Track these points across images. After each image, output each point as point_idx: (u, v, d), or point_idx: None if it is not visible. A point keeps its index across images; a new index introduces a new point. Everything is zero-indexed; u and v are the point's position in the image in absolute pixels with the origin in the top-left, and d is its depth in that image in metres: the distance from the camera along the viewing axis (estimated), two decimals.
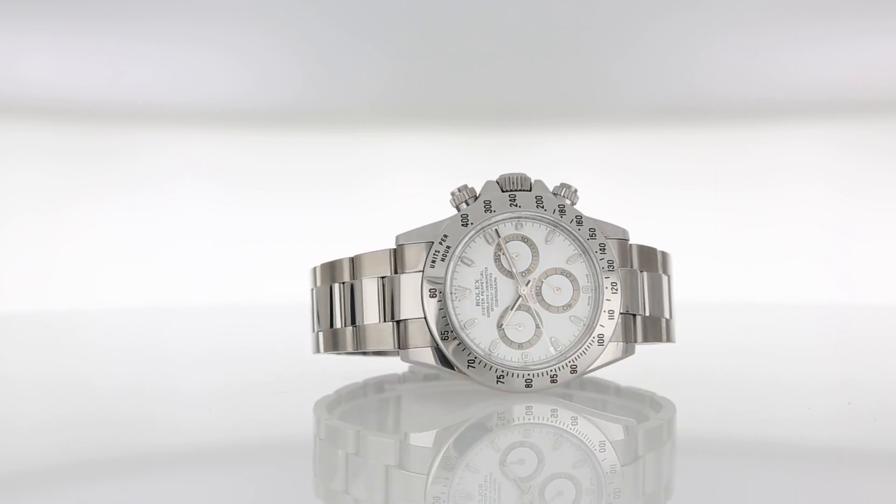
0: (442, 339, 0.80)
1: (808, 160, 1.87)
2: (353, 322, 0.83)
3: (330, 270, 0.85)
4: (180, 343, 1.33)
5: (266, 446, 0.77)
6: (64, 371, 1.08)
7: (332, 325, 0.85)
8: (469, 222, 0.82)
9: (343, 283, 0.84)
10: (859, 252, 1.83)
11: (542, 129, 1.90)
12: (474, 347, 0.80)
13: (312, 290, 0.87)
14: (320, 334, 0.86)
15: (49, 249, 1.85)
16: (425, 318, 0.80)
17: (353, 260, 0.84)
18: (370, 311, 0.82)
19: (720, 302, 1.67)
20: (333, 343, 0.85)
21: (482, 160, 1.90)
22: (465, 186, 0.83)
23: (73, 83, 1.86)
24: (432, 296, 0.80)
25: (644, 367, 0.87)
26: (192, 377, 1.05)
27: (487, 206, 0.83)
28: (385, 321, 0.82)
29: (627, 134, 1.90)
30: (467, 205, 0.83)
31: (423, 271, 0.81)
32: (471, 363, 0.80)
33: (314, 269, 0.87)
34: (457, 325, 0.80)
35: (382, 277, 0.82)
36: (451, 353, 0.80)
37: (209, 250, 1.87)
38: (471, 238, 0.82)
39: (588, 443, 0.74)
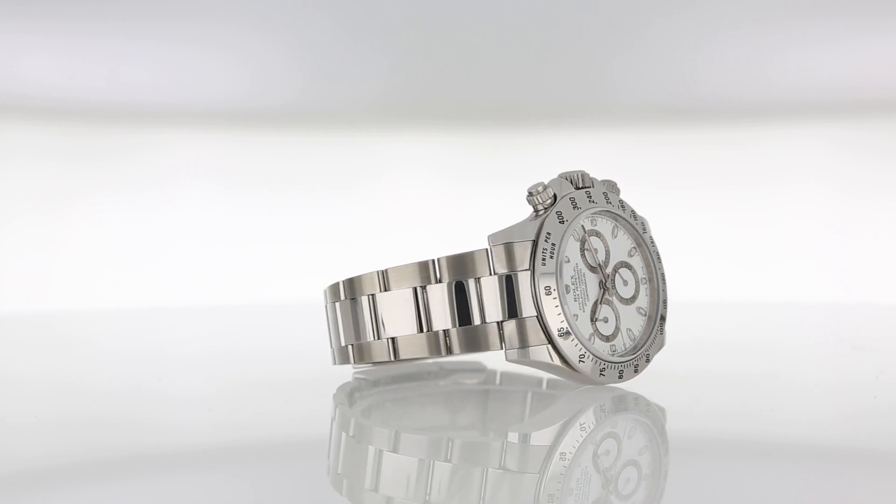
0: (559, 335, 0.79)
1: (808, 160, 1.87)
2: (460, 324, 0.81)
3: (420, 272, 0.82)
4: (180, 343, 1.33)
5: (270, 446, 0.77)
6: (64, 371, 1.08)
7: (430, 328, 0.82)
8: (564, 219, 0.81)
9: (450, 282, 0.81)
10: (859, 251, 1.83)
11: (542, 129, 1.90)
12: (583, 342, 0.80)
13: (372, 296, 0.84)
14: (399, 340, 0.83)
15: (49, 250, 1.85)
16: (539, 315, 0.79)
17: (446, 261, 0.82)
18: (482, 311, 0.80)
19: (720, 301, 1.67)
20: (430, 348, 0.82)
21: (482, 160, 1.90)
22: (545, 185, 0.82)
23: (73, 83, 1.86)
24: (548, 293, 0.79)
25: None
26: (192, 377, 1.05)
27: (574, 203, 0.82)
28: (503, 320, 0.80)
29: (627, 134, 1.90)
30: (545, 208, 0.81)
31: (532, 269, 0.79)
32: (581, 358, 0.80)
33: (379, 273, 0.84)
34: (570, 320, 0.80)
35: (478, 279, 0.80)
36: (565, 349, 0.79)
37: (209, 250, 1.87)
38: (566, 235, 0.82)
39: (654, 427, 0.76)
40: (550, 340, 0.79)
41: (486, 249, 0.80)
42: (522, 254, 0.80)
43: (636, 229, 0.85)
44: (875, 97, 1.87)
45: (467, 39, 1.86)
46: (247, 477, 0.70)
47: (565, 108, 1.92)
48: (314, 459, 0.75)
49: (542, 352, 0.79)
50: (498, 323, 0.80)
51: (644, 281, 0.85)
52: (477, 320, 0.80)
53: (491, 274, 0.80)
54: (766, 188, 1.87)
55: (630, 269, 0.85)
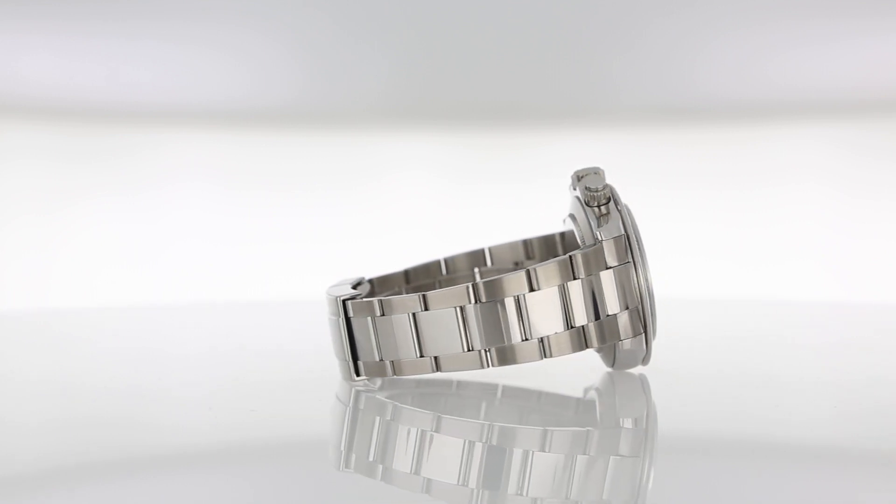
0: (652, 321, 0.84)
1: (808, 160, 1.87)
2: (598, 316, 0.83)
3: (565, 268, 0.83)
4: (180, 343, 1.33)
5: (270, 445, 0.77)
6: (64, 371, 1.08)
7: (574, 325, 0.83)
8: (629, 213, 0.85)
9: (583, 278, 0.82)
10: (859, 251, 1.83)
11: (542, 129, 1.90)
12: (655, 328, 0.85)
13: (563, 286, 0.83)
14: (552, 338, 0.83)
15: (49, 249, 1.85)
16: (641, 305, 0.82)
17: (587, 256, 0.83)
18: (615, 302, 0.83)
19: (720, 301, 1.67)
20: (577, 344, 0.83)
21: (482, 160, 1.90)
22: (605, 183, 0.85)
23: (73, 83, 1.86)
24: (647, 282, 0.83)
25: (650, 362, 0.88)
26: (192, 377, 1.05)
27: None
28: (624, 310, 0.83)
29: (627, 134, 1.90)
30: (600, 205, 0.84)
31: (634, 262, 0.83)
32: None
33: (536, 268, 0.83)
34: (655, 308, 0.84)
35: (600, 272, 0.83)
36: (651, 336, 0.84)
37: (209, 250, 1.87)
38: None
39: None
40: (645, 329, 0.83)
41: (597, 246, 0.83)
42: (616, 249, 0.82)
43: None
44: (875, 97, 1.87)
45: (467, 39, 1.86)
46: (247, 477, 0.70)
47: (565, 108, 1.92)
48: (315, 459, 0.75)
49: (638, 342, 0.84)
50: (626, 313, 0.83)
51: None
52: (616, 309, 0.83)
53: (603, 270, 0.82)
54: (766, 188, 1.87)
55: None
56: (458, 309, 0.82)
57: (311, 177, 1.90)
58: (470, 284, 0.82)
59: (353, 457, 0.74)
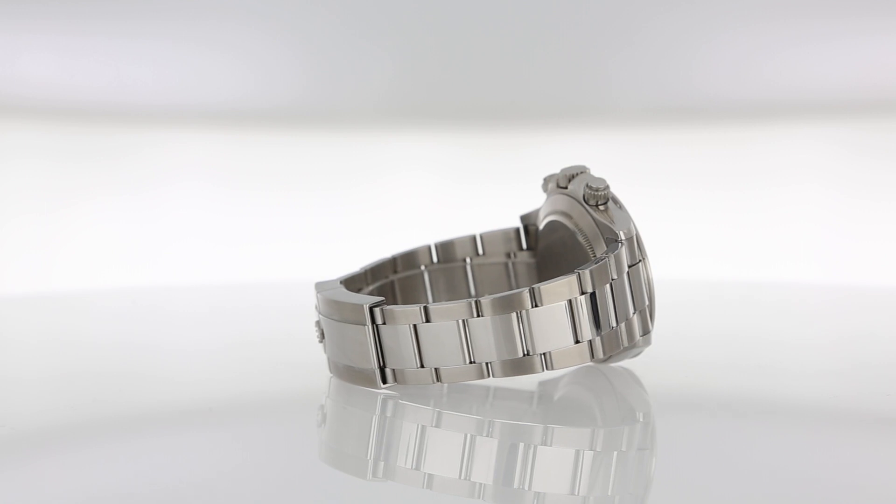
0: (651, 321, 0.85)
1: (808, 160, 1.87)
2: (622, 318, 0.83)
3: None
4: (180, 342, 1.33)
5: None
6: (63, 366, 1.08)
7: (605, 327, 0.82)
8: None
9: (614, 280, 0.82)
10: (859, 251, 1.83)
11: (542, 129, 1.91)
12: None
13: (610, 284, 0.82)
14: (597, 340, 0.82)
15: (49, 250, 1.85)
16: (650, 303, 0.84)
17: (616, 258, 0.83)
18: (631, 301, 0.84)
19: (719, 301, 1.67)
20: (612, 345, 0.82)
21: (482, 160, 1.90)
22: (606, 183, 0.86)
23: (74, 83, 1.86)
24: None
25: (654, 355, 0.89)
26: (191, 375, 1.05)
27: None
28: (636, 309, 0.84)
29: (627, 134, 1.90)
30: (599, 203, 0.85)
31: (647, 259, 0.84)
32: None
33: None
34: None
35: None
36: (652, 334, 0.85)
37: (209, 250, 1.87)
38: None
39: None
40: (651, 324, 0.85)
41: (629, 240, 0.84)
42: (629, 249, 0.83)
43: None
44: (875, 97, 1.87)
45: (468, 39, 1.86)
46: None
47: (565, 108, 1.92)
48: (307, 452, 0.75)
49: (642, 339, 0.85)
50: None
51: None
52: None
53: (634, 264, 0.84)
54: (766, 188, 1.88)
55: None
56: (518, 314, 0.80)
57: (311, 177, 1.90)
58: (527, 289, 0.80)
59: (383, 465, 0.75)
